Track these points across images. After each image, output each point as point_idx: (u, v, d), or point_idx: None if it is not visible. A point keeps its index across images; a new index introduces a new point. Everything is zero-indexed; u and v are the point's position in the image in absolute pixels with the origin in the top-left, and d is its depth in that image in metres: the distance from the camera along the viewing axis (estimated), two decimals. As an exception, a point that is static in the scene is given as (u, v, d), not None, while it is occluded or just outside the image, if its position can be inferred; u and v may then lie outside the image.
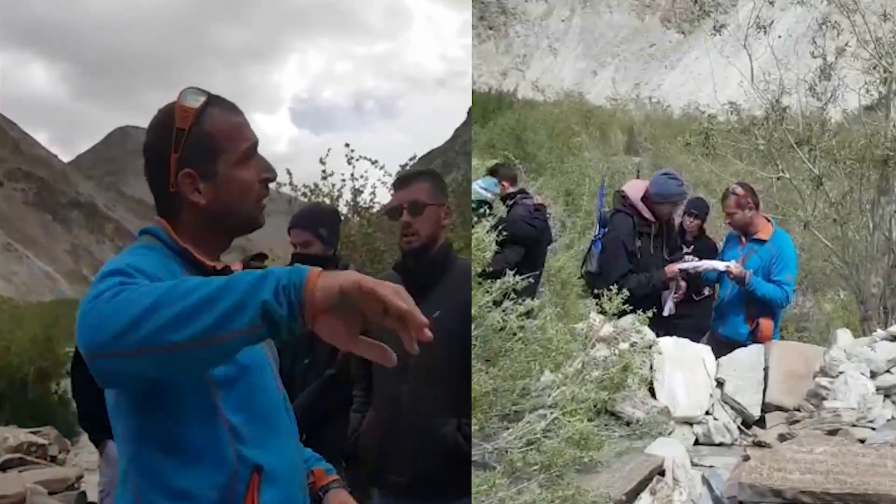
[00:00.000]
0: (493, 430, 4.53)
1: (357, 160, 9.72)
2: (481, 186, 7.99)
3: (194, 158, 2.30)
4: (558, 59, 53.87)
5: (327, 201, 9.66)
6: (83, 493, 9.55)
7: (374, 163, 9.86)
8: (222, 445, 2.21)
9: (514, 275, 5.02)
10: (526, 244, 7.73)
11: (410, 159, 10.59)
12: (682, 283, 6.95)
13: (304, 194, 9.84)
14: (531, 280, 5.20)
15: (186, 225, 2.33)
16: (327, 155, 9.88)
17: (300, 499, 2.42)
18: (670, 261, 6.96)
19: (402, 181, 4.10)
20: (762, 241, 6.90)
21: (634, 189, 6.95)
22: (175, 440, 2.19)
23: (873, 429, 5.24)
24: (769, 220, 7.08)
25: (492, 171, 8.56)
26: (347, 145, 9.83)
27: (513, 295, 4.93)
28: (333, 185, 9.84)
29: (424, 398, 3.88)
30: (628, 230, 6.83)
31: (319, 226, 5.03)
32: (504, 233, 6.36)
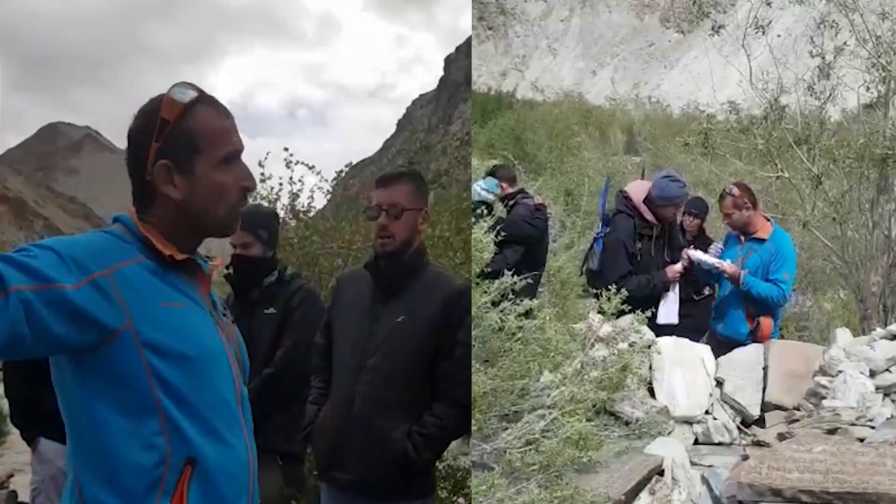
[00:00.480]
0: (491, 431, 4.53)
1: (296, 164, 9.86)
2: (482, 188, 7.97)
3: (174, 151, 2.30)
4: (557, 60, 53.85)
5: (265, 204, 9.81)
6: (13, 493, 9.48)
7: (311, 168, 10.01)
8: (155, 435, 2.22)
9: (513, 275, 5.03)
10: (527, 244, 7.73)
11: (346, 166, 10.70)
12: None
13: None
14: (529, 280, 5.20)
15: (157, 216, 2.34)
16: (265, 158, 10.06)
17: (244, 497, 2.41)
18: (672, 262, 6.95)
19: (385, 181, 4.06)
20: (762, 240, 6.86)
21: (637, 190, 6.94)
22: (108, 427, 2.20)
23: (872, 427, 5.24)
24: (768, 220, 7.05)
25: (491, 172, 8.55)
26: (286, 149, 9.98)
27: (511, 295, 4.94)
28: (272, 189, 10.00)
29: (378, 401, 3.92)
30: (629, 231, 6.82)
31: (259, 227, 5.05)
32: (503, 233, 6.36)
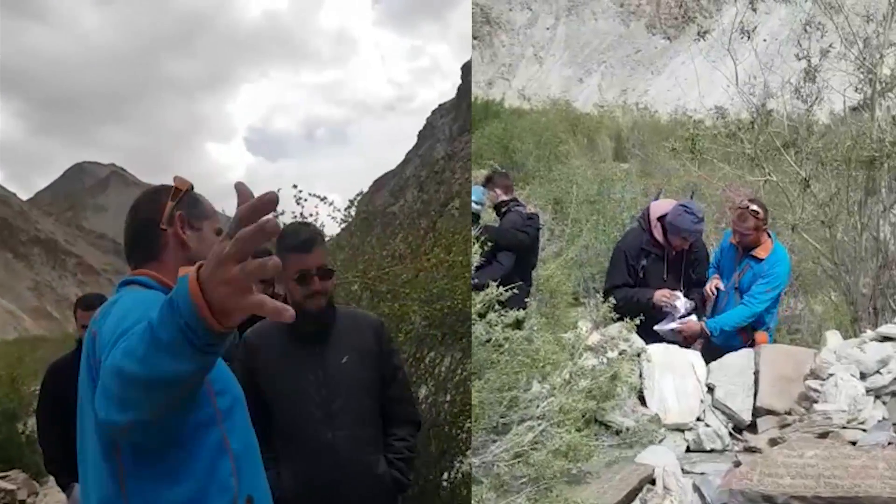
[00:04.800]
0: (480, 444, 4.50)
1: (305, 200, 9.92)
2: (473, 200, 7.99)
3: (187, 210, 2.65)
4: (544, 67, 53.85)
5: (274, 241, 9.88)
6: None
7: (322, 199, 10.06)
8: (229, 476, 2.36)
9: (498, 286, 5.01)
10: (518, 251, 7.75)
11: (358, 194, 10.70)
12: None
13: None
14: (515, 291, 5.16)
15: (167, 266, 2.59)
16: (278, 192, 10.13)
17: None
18: (686, 294, 6.80)
19: (305, 246, 4.06)
20: (759, 259, 6.73)
21: (657, 207, 6.83)
22: (189, 474, 2.30)
23: (864, 430, 5.22)
24: (769, 235, 6.89)
25: (488, 179, 8.59)
26: (295, 186, 10.02)
27: (496, 306, 4.91)
28: (284, 223, 10.09)
29: (357, 441, 4.00)
30: (634, 244, 6.76)
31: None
32: (493, 241, 6.34)
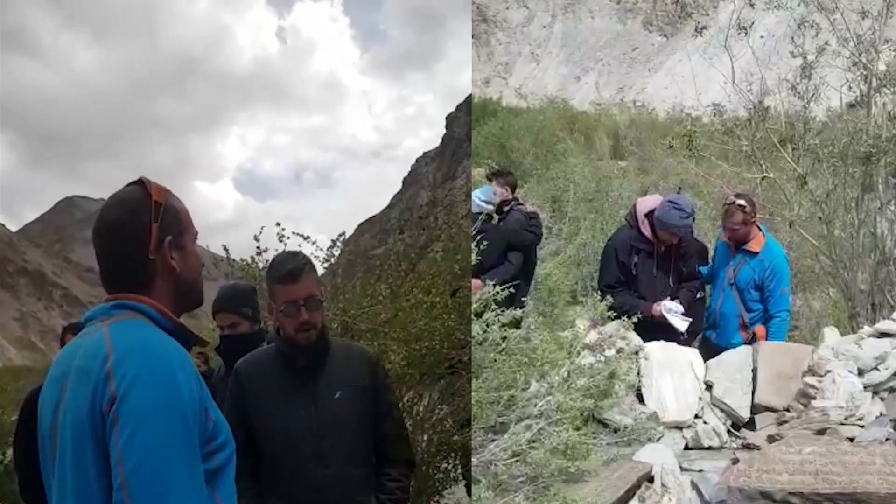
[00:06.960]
0: (478, 443, 4.50)
1: (288, 238, 9.95)
2: (482, 199, 7.97)
3: (170, 229, 2.48)
4: (541, 66, 53.73)
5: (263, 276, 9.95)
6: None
7: (306, 238, 10.08)
8: None
9: (494, 286, 5.01)
10: (525, 250, 7.77)
11: (341, 235, 10.71)
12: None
13: (242, 268, 10.09)
14: (512, 290, 5.15)
15: (158, 296, 2.44)
16: (260, 232, 10.19)
17: None
18: (676, 289, 6.83)
19: (293, 276, 3.94)
20: (753, 253, 6.77)
21: (645, 203, 6.84)
22: None
23: (862, 426, 5.23)
24: (760, 228, 6.93)
25: (495, 174, 8.59)
26: (279, 224, 10.05)
27: (494, 306, 4.91)
28: (267, 261, 10.10)
29: (346, 479, 3.88)
30: (623, 241, 6.75)
31: (242, 306, 5.15)
32: (496, 241, 6.33)
